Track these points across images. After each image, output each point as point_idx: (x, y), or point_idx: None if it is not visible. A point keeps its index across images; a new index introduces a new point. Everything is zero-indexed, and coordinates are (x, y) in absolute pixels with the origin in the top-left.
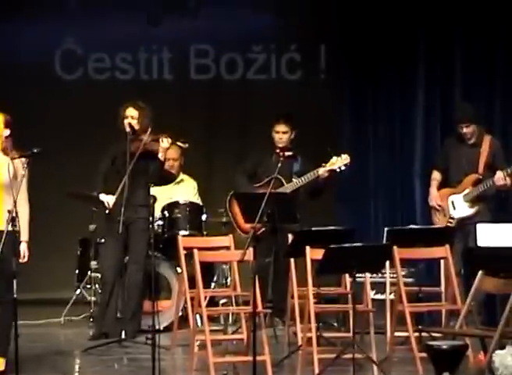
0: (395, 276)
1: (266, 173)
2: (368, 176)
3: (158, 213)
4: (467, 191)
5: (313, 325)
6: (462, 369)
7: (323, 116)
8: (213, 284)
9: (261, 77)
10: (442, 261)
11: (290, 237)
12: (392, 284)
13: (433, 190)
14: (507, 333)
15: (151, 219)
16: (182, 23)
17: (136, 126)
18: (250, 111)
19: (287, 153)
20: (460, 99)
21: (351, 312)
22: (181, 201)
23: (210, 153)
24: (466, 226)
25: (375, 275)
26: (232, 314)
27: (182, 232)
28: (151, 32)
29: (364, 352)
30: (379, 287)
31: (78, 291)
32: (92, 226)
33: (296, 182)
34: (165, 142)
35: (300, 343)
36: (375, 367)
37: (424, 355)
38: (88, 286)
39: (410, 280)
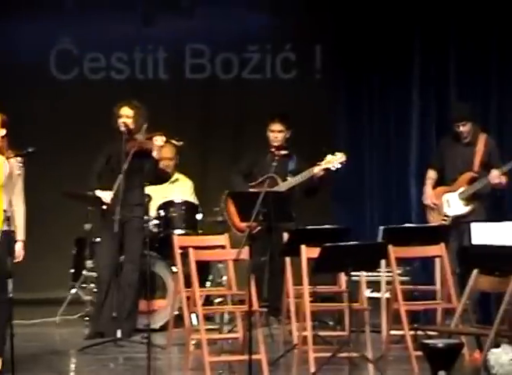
0: (390, 274)
1: (261, 172)
2: (363, 175)
3: (153, 212)
4: (462, 189)
5: (308, 324)
6: (457, 368)
7: (318, 116)
8: (208, 283)
9: (257, 77)
10: (437, 259)
11: (286, 235)
12: (387, 283)
13: (428, 189)
14: (502, 331)
15: (145, 218)
16: (177, 23)
17: (131, 126)
18: (246, 110)
19: (282, 152)
20: (456, 99)
21: (347, 310)
22: (176, 201)
23: (205, 152)
24: (461, 224)
25: (370, 273)
26: (228, 313)
27: (177, 231)
28: (147, 32)
29: (359, 351)
30: (375, 285)
31: (73, 291)
32: (87, 226)
33: (292, 181)
34: (159, 140)
35: (295, 342)
36: (370, 366)
37: (419, 353)
38: (84, 285)
39: (405, 278)
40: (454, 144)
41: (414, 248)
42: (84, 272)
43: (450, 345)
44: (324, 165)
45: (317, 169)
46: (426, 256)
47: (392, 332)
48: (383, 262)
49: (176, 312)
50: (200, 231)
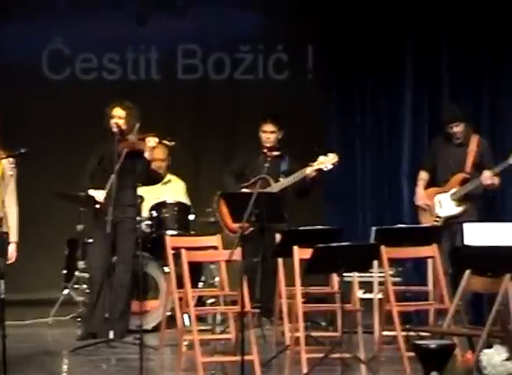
0: (383, 275)
1: (253, 173)
2: (355, 175)
3: (145, 213)
4: (454, 190)
5: (301, 324)
6: (450, 369)
7: (310, 116)
8: (201, 284)
9: (249, 77)
10: (429, 260)
11: (278, 236)
12: (380, 284)
13: (420, 189)
14: (495, 332)
15: (138, 218)
16: (169, 23)
17: (124, 126)
18: (238, 111)
19: (274, 153)
20: (448, 99)
21: (339, 311)
22: (169, 201)
23: (197, 153)
24: (453, 225)
25: (362, 274)
26: (220, 314)
27: (170, 232)
28: (139, 32)
29: (351, 352)
30: (367, 286)
31: (66, 291)
32: (80, 227)
33: (284, 182)
34: (151, 141)
35: (288, 342)
36: (362, 366)
37: (412, 354)
38: (76, 286)
39: (397, 279)
40: (446, 144)
41: (406, 248)
42: (77, 273)
43: (443, 346)
44: (316, 166)
45: (309, 170)
46: (418, 257)
47: (385, 333)
48: (375, 262)
49: (169, 313)
50: (192, 232)
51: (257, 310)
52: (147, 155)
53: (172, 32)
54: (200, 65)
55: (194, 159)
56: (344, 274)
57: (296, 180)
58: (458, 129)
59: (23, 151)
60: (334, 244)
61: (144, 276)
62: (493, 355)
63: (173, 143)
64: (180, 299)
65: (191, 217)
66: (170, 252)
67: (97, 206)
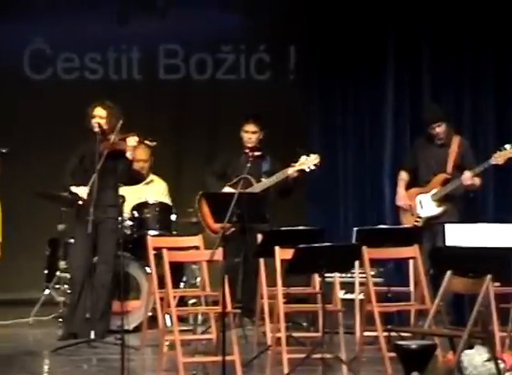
0: (364, 275)
1: (235, 173)
2: (337, 176)
3: (127, 213)
4: (435, 190)
5: (282, 325)
6: (431, 369)
7: (292, 116)
8: (182, 284)
9: (231, 77)
10: (411, 261)
11: (260, 237)
12: (361, 284)
13: (401, 190)
14: (476, 332)
15: (120, 219)
16: (151, 23)
17: (105, 126)
18: (220, 111)
19: (256, 153)
20: (429, 99)
21: (320, 311)
22: (150, 201)
23: (179, 153)
24: (434, 225)
25: (344, 275)
26: (202, 314)
27: (151, 232)
28: (120, 32)
29: (333, 352)
30: (348, 286)
31: (47, 292)
32: (61, 226)
33: (266, 182)
34: (132, 141)
35: (269, 343)
36: (344, 367)
37: (393, 354)
38: (57, 286)
39: (379, 279)
40: (428, 145)
41: (387, 249)
42: (58, 273)
43: (424, 346)
44: (298, 166)
45: (291, 171)
46: (400, 257)
47: (366, 333)
48: (357, 263)
49: (150, 313)
50: (174, 232)
51: (239, 310)
52: (128, 154)
53: (153, 32)
54: (182, 65)
55: (176, 159)
56: (326, 275)
57: (278, 180)
58: (440, 129)
59: (4, 151)
60: (315, 245)
61: (126, 277)
62: (474, 356)
63: (155, 143)
64: (162, 299)
65: (173, 217)
66: (152, 252)
67: (80, 203)
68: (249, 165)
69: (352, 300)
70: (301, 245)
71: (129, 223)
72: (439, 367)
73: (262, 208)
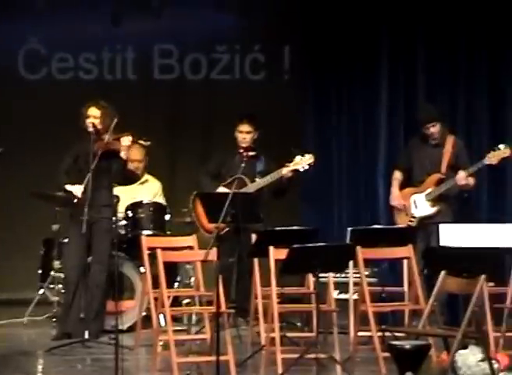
0: (358, 276)
1: (230, 173)
2: (331, 175)
3: (121, 213)
4: (429, 190)
5: (276, 325)
6: (425, 369)
7: (287, 116)
8: (176, 284)
9: (225, 77)
10: (405, 261)
11: (254, 237)
12: (355, 284)
13: (395, 189)
14: (470, 332)
15: (114, 218)
16: (145, 23)
17: (99, 126)
18: (214, 111)
19: (251, 153)
20: (424, 99)
21: (314, 311)
22: (145, 201)
23: (173, 153)
24: (428, 225)
25: (338, 275)
26: (196, 314)
27: (145, 232)
28: (115, 32)
29: (327, 352)
30: (343, 287)
31: (41, 291)
32: (55, 226)
33: (260, 182)
34: (126, 141)
35: (263, 343)
36: (338, 367)
37: (387, 354)
38: (51, 286)
39: (373, 279)
40: (422, 145)
41: (381, 249)
42: (52, 272)
43: (418, 347)
44: (292, 166)
45: (285, 171)
46: (394, 257)
47: (360, 333)
48: (351, 263)
49: (144, 313)
50: (168, 232)
51: (233, 310)
52: (122, 154)
53: (148, 32)
54: (176, 65)
55: (170, 159)
56: (320, 275)
57: (273, 180)
58: (435, 129)
59: None
60: (309, 245)
61: (120, 277)
62: (468, 356)
63: (149, 143)
64: (156, 299)
65: (167, 217)
66: (146, 252)
67: (75, 201)
68: (243, 165)
69: (346, 300)
70: (295, 245)
71: (124, 222)
72: (433, 367)
73: (256, 208)
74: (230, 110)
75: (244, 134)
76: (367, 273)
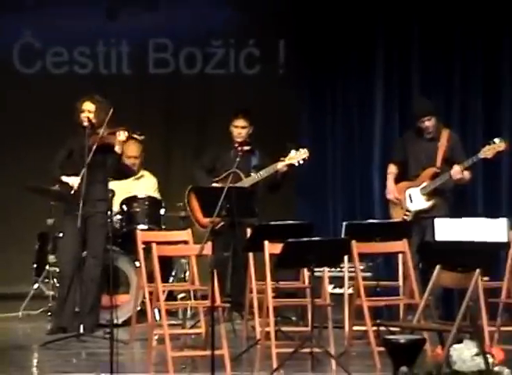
0: (353, 270)
1: (224, 168)
2: (326, 169)
3: (116, 207)
4: (424, 184)
5: (271, 319)
6: (419, 364)
7: (282, 111)
8: (171, 279)
9: (220, 72)
10: (400, 255)
11: (249, 231)
12: (350, 279)
13: (390, 183)
14: (464, 327)
15: (109, 213)
16: (140, 17)
17: (94, 120)
18: (209, 105)
19: (246, 148)
20: (419, 92)
21: (309, 306)
22: (140, 196)
23: (168, 147)
24: (423, 219)
25: (333, 269)
26: (191, 308)
27: (140, 226)
28: (110, 26)
29: (322, 346)
30: (337, 281)
31: (36, 286)
32: (50, 221)
33: (255, 176)
34: (121, 135)
35: (258, 337)
36: (333, 361)
37: (382, 349)
38: (46, 280)
39: (368, 274)
40: (417, 139)
41: (376, 243)
42: (47, 267)
43: (412, 341)
44: (287, 161)
45: (280, 165)
46: (389, 252)
47: (355, 328)
48: (346, 257)
49: (139, 308)
50: (163, 226)
51: (228, 305)
52: (117, 149)
53: (143, 26)
54: (171, 59)
55: (165, 154)
56: (315, 269)
57: (268, 174)
58: (430, 123)
59: None
60: (304, 239)
61: (115, 271)
62: (463, 350)
63: (143, 137)
64: (151, 293)
65: (162, 212)
66: (141, 247)
67: (72, 192)
68: (238, 159)
69: (341, 294)
70: (290, 240)
71: (119, 217)
72: (428, 361)
73: (251, 203)
74: (225, 104)
75: (239, 129)
76: (362, 267)
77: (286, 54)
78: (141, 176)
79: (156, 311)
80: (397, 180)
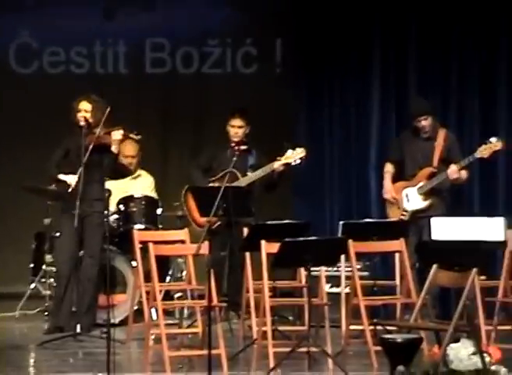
0: (350, 269)
1: (221, 167)
2: (323, 169)
3: (113, 207)
4: (421, 183)
5: (268, 319)
6: (416, 363)
7: (278, 110)
8: (168, 278)
9: (217, 71)
10: (397, 254)
11: (246, 230)
12: (347, 278)
13: (387, 182)
14: (461, 326)
15: (105, 212)
16: (137, 17)
17: (90, 120)
18: (206, 105)
19: (242, 147)
20: (415, 92)
21: (306, 305)
22: (136, 195)
23: (165, 147)
24: (420, 219)
25: (330, 268)
26: (188, 308)
27: (137, 226)
28: (107, 26)
29: (319, 346)
30: (334, 280)
31: (33, 285)
32: (47, 220)
33: (252, 176)
34: (117, 134)
35: (255, 336)
36: (330, 360)
37: (379, 348)
38: (43, 280)
39: (365, 273)
40: (414, 138)
41: (373, 243)
42: (44, 266)
43: (409, 340)
44: (284, 160)
45: (277, 165)
46: (386, 251)
47: (352, 327)
48: (343, 257)
49: (136, 307)
50: (160, 226)
51: (225, 304)
52: (113, 148)
53: (140, 26)
54: (168, 59)
55: (162, 153)
56: (311, 268)
57: (264, 174)
58: (426, 122)
59: None
60: (301, 239)
61: (112, 270)
62: (460, 350)
63: (139, 136)
64: (147, 293)
65: (159, 211)
66: (138, 246)
67: (70, 190)
68: (235, 159)
69: (338, 294)
70: (287, 239)
71: (115, 216)
72: (425, 361)
73: (248, 202)
74: (222, 104)
75: (236, 129)
76: (359, 266)
77: (282, 53)
78: (138, 175)
79: (153, 310)
80: (394, 180)
